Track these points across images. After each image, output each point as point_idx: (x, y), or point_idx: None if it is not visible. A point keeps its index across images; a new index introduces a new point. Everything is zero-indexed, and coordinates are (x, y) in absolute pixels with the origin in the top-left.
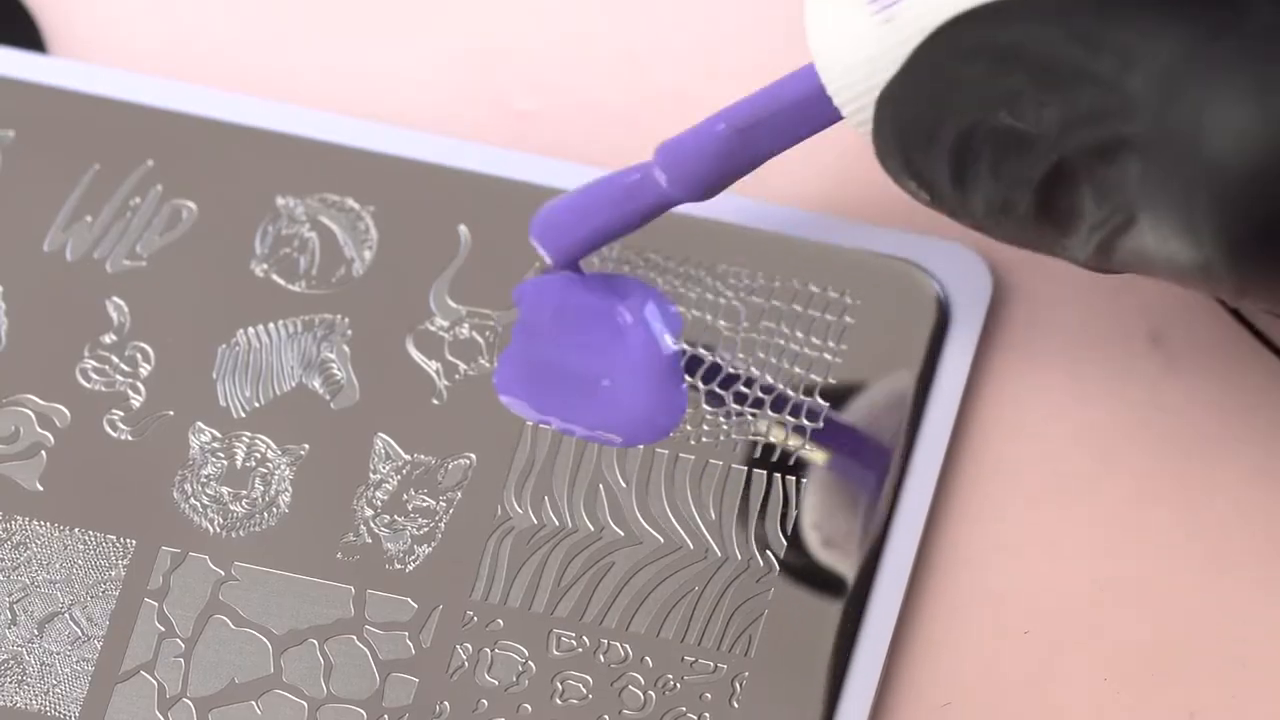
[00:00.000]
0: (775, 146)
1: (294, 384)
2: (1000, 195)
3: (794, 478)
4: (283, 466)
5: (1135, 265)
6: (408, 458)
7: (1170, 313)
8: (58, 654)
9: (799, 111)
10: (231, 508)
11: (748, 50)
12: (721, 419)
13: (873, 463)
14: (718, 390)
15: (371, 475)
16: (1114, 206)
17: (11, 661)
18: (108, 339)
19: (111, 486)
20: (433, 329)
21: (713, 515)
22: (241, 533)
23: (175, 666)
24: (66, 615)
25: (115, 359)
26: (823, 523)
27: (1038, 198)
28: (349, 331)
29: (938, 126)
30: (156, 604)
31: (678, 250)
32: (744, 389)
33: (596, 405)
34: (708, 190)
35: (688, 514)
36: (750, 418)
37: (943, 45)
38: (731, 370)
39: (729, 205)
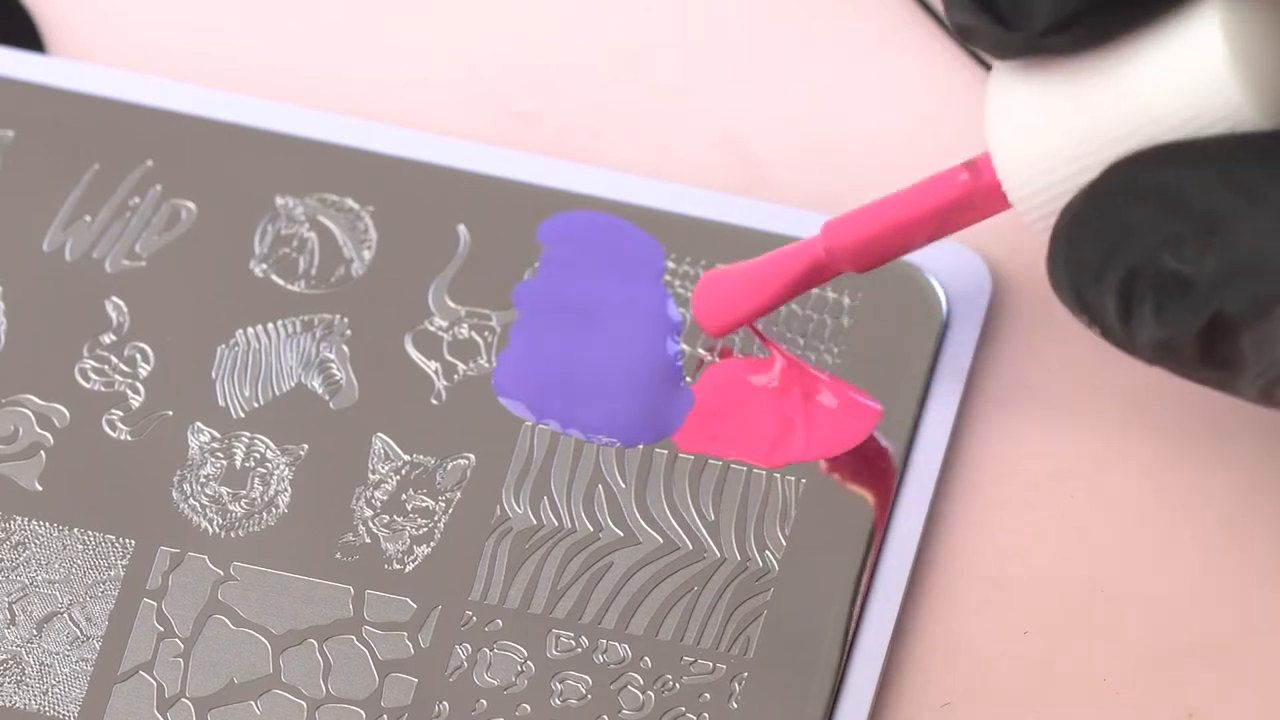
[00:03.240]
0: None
1: (293, 384)
2: (1164, 336)
3: (793, 478)
4: (282, 466)
5: None
6: (406, 458)
7: None
8: (57, 654)
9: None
10: (230, 508)
11: (748, 50)
12: None
13: (872, 463)
14: None
15: (370, 475)
16: (1271, 360)
17: (10, 661)
18: (107, 339)
19: (110, 486)
20: (432, 329)
21: (711, 515)
22: (240, 533)
23: (174, 666)
24: (65, 615)
25: (114, 359)
26: (821, 523)
27: (1200, 343)
28: (348, 331)
29: (1106, 263)
30: (155, 604)
31: (678, 250)
32: None
33: (596, 406)
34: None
35: (686, 514)
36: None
37: (1114, 181)
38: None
39: (729, 205)
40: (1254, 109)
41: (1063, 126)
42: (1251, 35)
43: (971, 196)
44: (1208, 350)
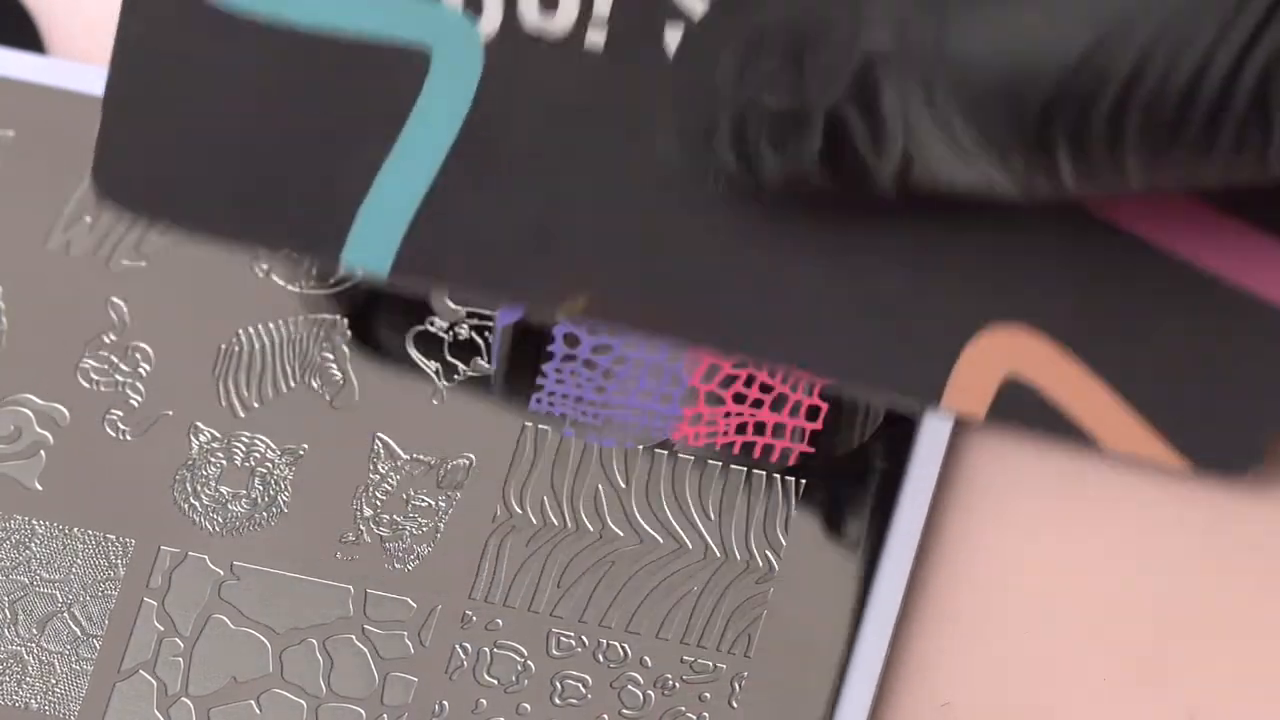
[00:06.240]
0: None
1: (294, 384)
2: (789, 169)
3: (793, 478)
4: (282, 466)
5: (933, 182)
6: (407, 457)
7: None
8: (57, 653)
9: None
10: (231, 507)
11: None
12: (721, 419)
13: (872, 461)
14: (717, 390)
15: (371, 475)
16: (889, 138)
17: (11, 660)
18: (108, 338)
19: (111, 486)
20: (432, 329)
21: (712, 516)
22: (241, 532)
23: (175, 665)
24: (66, 614)
25: (115, 358)
26: (821, 523)
27: (824, 163)
28: (349, 331)
29: (711, 122)
30: (156, 603)
31: None
32: (743, 389)
33: (597, 405)
34: None
35: (688, 514)
36: (749, 418)
37: (697, 45)
38: (731, 371)
39: None
40: None
41: None
42: None
43: None
44: (833, 168)
